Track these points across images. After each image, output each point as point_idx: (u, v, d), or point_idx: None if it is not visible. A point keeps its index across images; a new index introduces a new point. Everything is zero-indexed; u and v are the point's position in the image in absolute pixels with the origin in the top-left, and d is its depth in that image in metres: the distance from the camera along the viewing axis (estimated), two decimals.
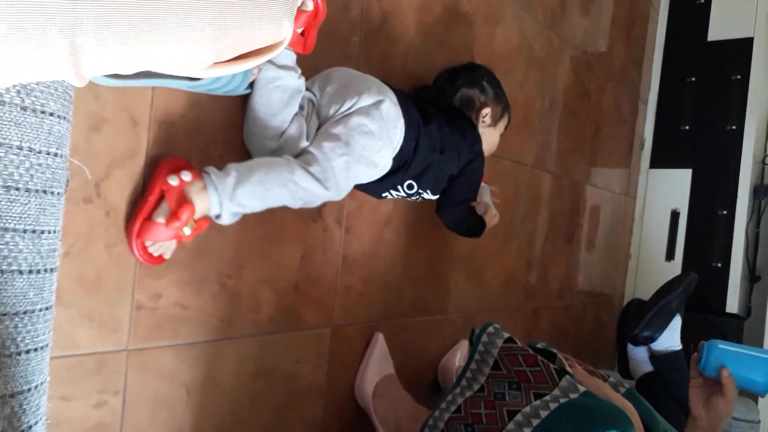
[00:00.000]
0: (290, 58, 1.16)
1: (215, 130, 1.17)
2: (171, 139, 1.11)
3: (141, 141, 1.07)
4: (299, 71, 1.18)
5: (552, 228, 2.39)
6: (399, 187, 1.36)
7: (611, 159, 2.86)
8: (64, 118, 0.58)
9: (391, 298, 1.62)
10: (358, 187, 1.34)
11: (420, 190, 1.39)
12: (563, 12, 2.31)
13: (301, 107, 1.21)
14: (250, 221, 1.24)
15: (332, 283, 1.44)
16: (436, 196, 1.46)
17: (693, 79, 3.07)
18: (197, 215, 1.05)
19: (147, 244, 1.06)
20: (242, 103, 1.20)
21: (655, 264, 2.97)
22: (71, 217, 0.99)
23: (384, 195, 1.39)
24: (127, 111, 1.05)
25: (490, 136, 1.56)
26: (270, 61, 1.15)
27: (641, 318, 2.13)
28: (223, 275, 1.21)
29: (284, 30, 0.53)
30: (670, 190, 3.01)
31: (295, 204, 1.15)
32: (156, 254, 1.07)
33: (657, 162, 3.11)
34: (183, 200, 1.04)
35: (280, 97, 1.15)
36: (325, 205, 1.40)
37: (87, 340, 1.03)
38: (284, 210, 1.30)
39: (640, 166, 3.13)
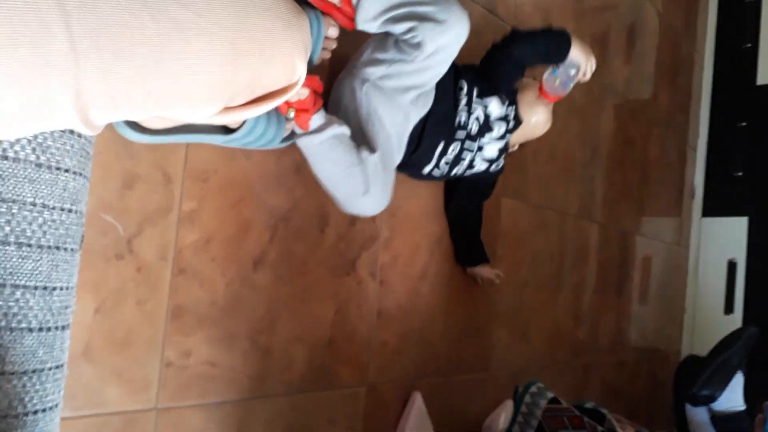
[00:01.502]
0: (318, 120, 1.15)
1: (249, 185, 1.17)
2: (204, 195, 1.11)
3: (174, 198, 1.08)
4: (335, 120, 1.17)
5: (600, 280, 2.29)
6: (470, 102, 1.32)
7: (661, 207, 2.76)
8: (81, 174, 0.58)
9: (429, 355, 1.56)
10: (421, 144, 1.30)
11: (484, 97, 1.35)
12: (603, 60, 2.28)
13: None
14: (282, 276, 1.22)
15: (367, 339, 1.40)
16: (504, 106, 1.39)
17: (744, 123, 2.97)
18: None
19: None
20: (275, 157, 1.20)
21: (713, 317, 2.81)
22: (102, 274, 1.00)
23: (459, 120, 1.31)
24: (161, 168, 1.06)
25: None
26: (304, 133, 1.15)
27: (699, 375, 1.99)
28: (255, 332, 1.19)
29: (297, 71, 0.52)
30: (725, 239, 2.87)
31: None
32: None
33: (710, 210, 2.99)
34: None
35: (337, 151, 1.16)
36: (359, 256, 1.37)
37: (115, 399, 1.01)
38: (317, 263, 1.29)
39: (691, 215, 3.01)
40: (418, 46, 1.13)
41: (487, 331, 1.75)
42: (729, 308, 2.78)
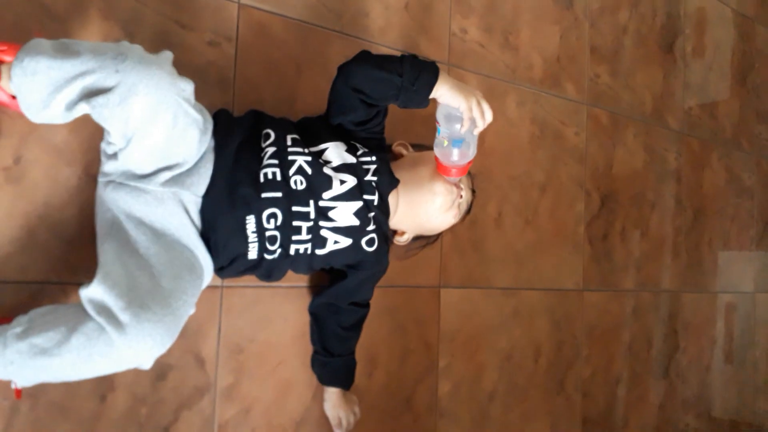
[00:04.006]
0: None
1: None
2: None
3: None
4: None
5: (628, 364, 1.75)
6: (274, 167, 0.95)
7: (731, 249, 2.12)
8: None
9: None
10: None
11: (309, 146, 0.99)
12: (613, 77, 1.74)
13: None
14: None
15: None
16: (351, 154, 1.01)
17: None
18: None
19: None
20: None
21: None
22: None
23: (266, 177, 0.94)
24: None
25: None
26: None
27: None
28: None
29: None
30: None
31: None
32: None
33: None
34: None
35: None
36: (176, 420, 1.02)
37: None
38: None
39: None
40: (109, 135, 0.82)
41: None
42: None
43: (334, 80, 1.01)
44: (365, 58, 0.99)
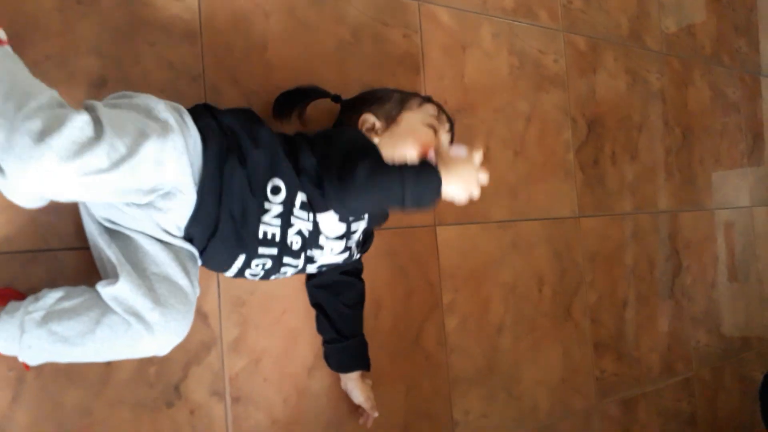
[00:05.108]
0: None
1: None
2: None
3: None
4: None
5: (633, 286, 1.76)
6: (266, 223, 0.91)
7: (723, 166, 2.12)
8: None
9: None
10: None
11: (316, 212, 0.95)
12: (586, 1, 1.72)
13: None
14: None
15: None
16: (345, 224, 1.00)
17: None
18: None
19: None
20: None
21: None
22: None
23: (264, 234, 0.91)
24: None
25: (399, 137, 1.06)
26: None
27: None
28: None
29: None
30: None
31: None
32: None
33: None
34: None
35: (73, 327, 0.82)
36: (185, 376, 1.01)
37: None
38: (113, 402, 0.95)
39: None
40: None
41: (444, 407, 1.32)
42: None
43: (333, 186, 0.93)
44: (362, 188, 0.90)
